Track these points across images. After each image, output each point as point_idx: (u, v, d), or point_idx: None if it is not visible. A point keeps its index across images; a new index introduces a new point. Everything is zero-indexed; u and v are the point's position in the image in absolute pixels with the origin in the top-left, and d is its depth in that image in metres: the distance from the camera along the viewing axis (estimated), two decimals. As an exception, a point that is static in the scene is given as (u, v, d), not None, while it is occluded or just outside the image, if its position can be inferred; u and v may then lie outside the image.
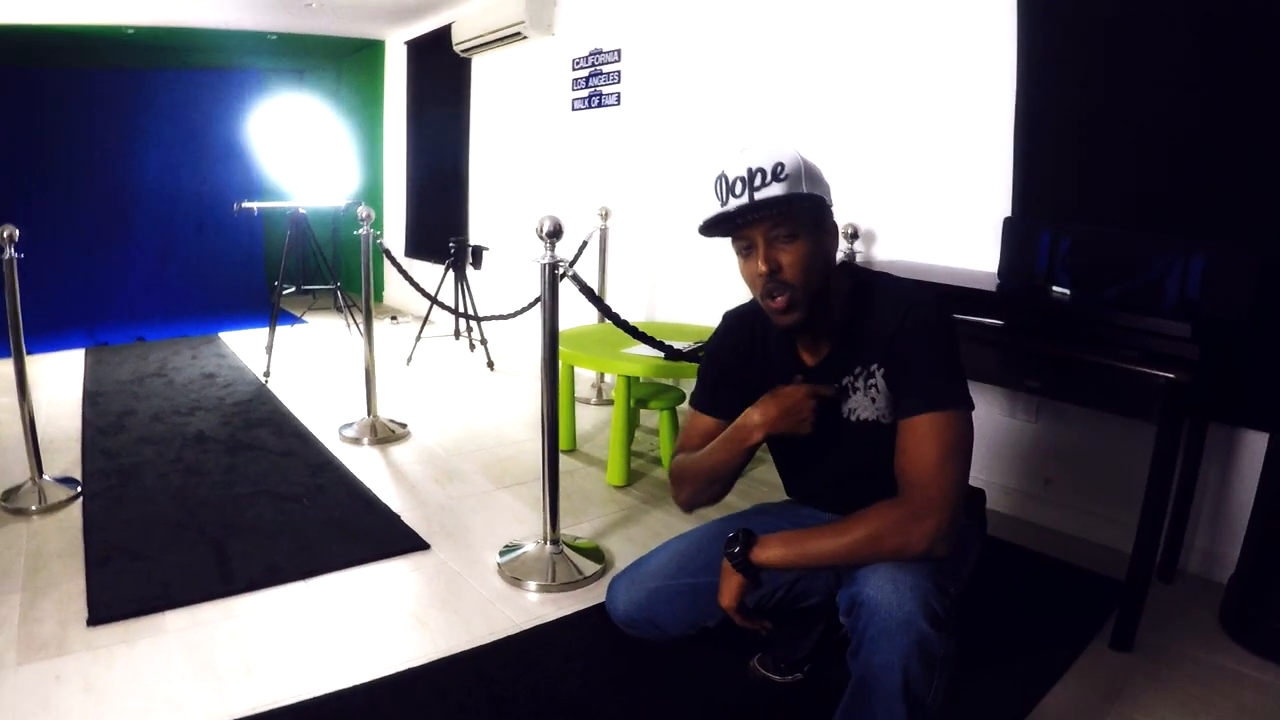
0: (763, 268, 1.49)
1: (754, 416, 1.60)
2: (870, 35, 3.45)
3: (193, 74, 7.95)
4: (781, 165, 1.45)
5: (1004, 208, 3.00)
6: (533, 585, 2.56)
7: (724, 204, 1.50)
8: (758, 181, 1.45)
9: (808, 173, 1.48)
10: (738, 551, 1.53)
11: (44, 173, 7.24)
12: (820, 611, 1.85)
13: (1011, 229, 2.90)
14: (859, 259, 3.38)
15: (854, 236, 3.41)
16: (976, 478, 3.06)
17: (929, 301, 1.53)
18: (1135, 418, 2.54)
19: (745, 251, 1.54)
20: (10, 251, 3.02)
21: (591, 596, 2.47)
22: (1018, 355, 2.52)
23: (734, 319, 1.81)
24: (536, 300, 2.99)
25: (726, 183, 1.49)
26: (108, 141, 7.54)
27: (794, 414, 1.55)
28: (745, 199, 1.46)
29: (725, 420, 1.71)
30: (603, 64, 4.87)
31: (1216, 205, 2.48)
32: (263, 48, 7.88)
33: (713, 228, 1.53)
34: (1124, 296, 2.45)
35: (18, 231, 3.04)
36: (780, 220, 1.47)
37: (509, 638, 2.28)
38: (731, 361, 1.77)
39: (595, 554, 2.74)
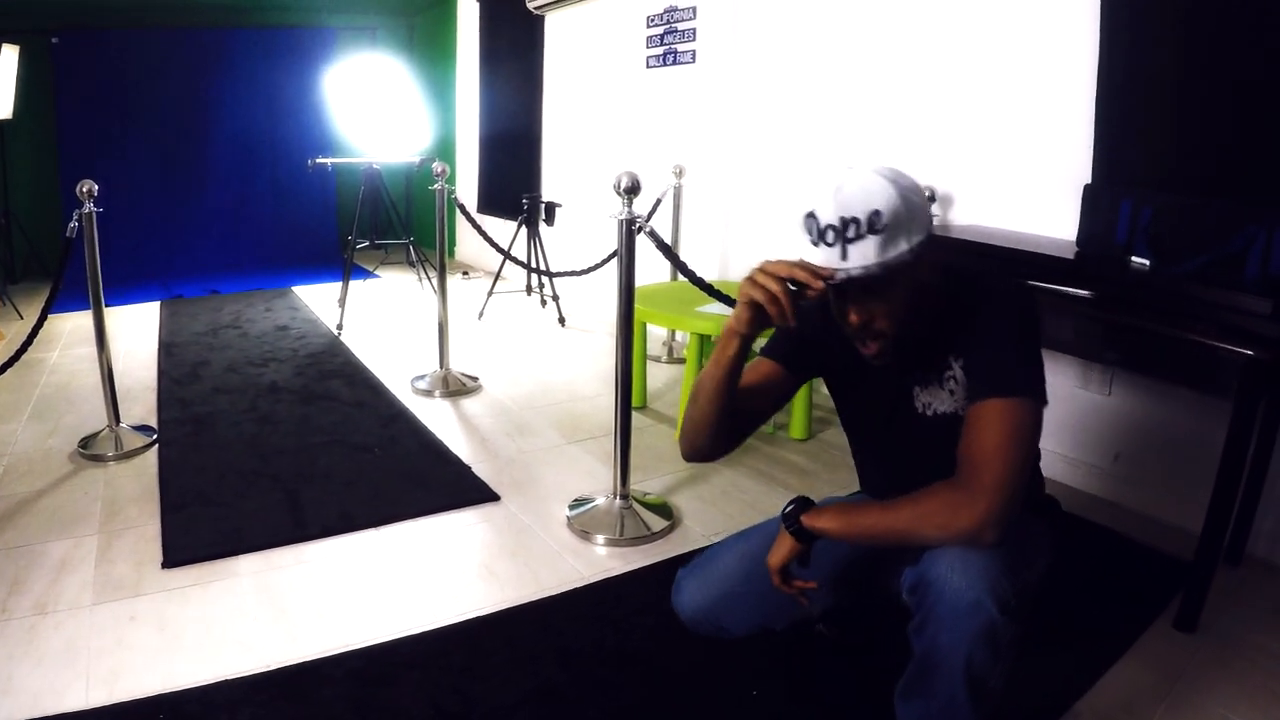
0: (854, 319, 1.41)
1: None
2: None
3: (267, 32, 8.06)
4: (878, 214, 1.29)
5: (1084, 174, 2.92)
6: (601, 539, 2.63)
7: (815, 245, 1.35)
8: (850, 233, 1.30)
9: (908, 212, 1.31)
10: (791, 513, 1.54)
11: (122, 131, 7.44)
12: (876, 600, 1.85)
13: (1092, 197, 2.84)
14: (935, 222, 3.33)
15: (931, 200, 3.37)
16: (1045, 449, 3.06)
17: (1011, 289, 1.47)
18: (1211, 394, 2.49)
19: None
20: (90, 206, 3.14)
21: (659, 552, 2.54)
22: (1094, 325, 2.48)
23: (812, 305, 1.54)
24: (610, 256, 3.01)
25: (818, 226, 1.33)
26: (184, 100, 7.70)
27: (767, 294, 1.37)
28: (838, 250, 1.32)
29: (786, 369, 1.68)
30: (677, 21, 4.84)
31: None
32: (336, 5, 7.99)
33: None
34: (1205, 269, 2.39)
35: (97, 187, 3.16)
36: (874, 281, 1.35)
37: (576, 590, 2.36)
38: (806, 334, 1.65)
39: (664, 510, 2.81)
